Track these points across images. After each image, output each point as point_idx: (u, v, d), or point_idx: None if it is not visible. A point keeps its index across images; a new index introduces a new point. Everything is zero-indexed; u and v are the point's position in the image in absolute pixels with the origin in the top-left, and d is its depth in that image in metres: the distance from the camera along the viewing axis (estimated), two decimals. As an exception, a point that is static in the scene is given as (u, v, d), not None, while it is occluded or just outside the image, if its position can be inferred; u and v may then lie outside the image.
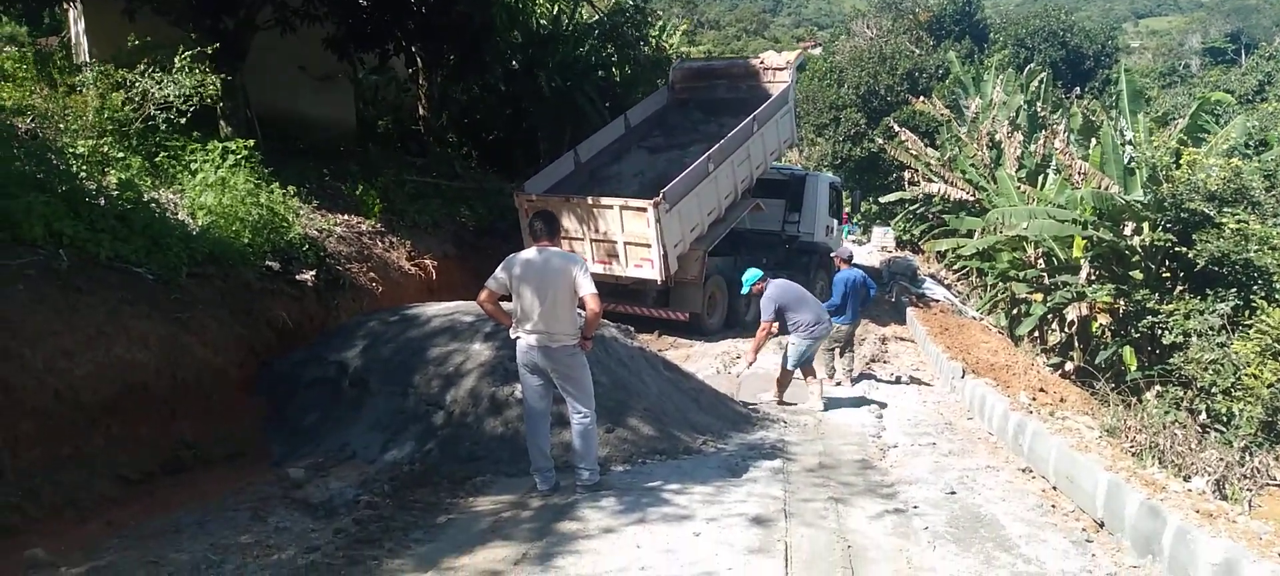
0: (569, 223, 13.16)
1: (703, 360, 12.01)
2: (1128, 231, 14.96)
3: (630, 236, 12.80)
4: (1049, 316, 17.51)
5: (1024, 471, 6.58)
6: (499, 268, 5.67)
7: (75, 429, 5.68)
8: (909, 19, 35.38)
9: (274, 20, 12.16)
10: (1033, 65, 30.64)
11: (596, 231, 13.11)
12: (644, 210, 12.45)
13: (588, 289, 5.42)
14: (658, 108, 17.03)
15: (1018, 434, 7.05)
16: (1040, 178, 20.22)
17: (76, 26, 14.72)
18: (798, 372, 9.01)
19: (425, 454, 6.46)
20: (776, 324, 8.91)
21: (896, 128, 26.04)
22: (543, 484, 5.67)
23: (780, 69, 16.79)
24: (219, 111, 11.11)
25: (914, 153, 24.71)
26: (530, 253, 5.66)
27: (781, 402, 9.21)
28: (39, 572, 4.29)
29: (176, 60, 9.51)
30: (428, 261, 12.40)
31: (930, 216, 26.83)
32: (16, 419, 5.30)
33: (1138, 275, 14.68)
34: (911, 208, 28.35)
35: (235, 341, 7.40)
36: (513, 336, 5.66)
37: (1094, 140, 18.61)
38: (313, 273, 8.70)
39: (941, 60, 31.23)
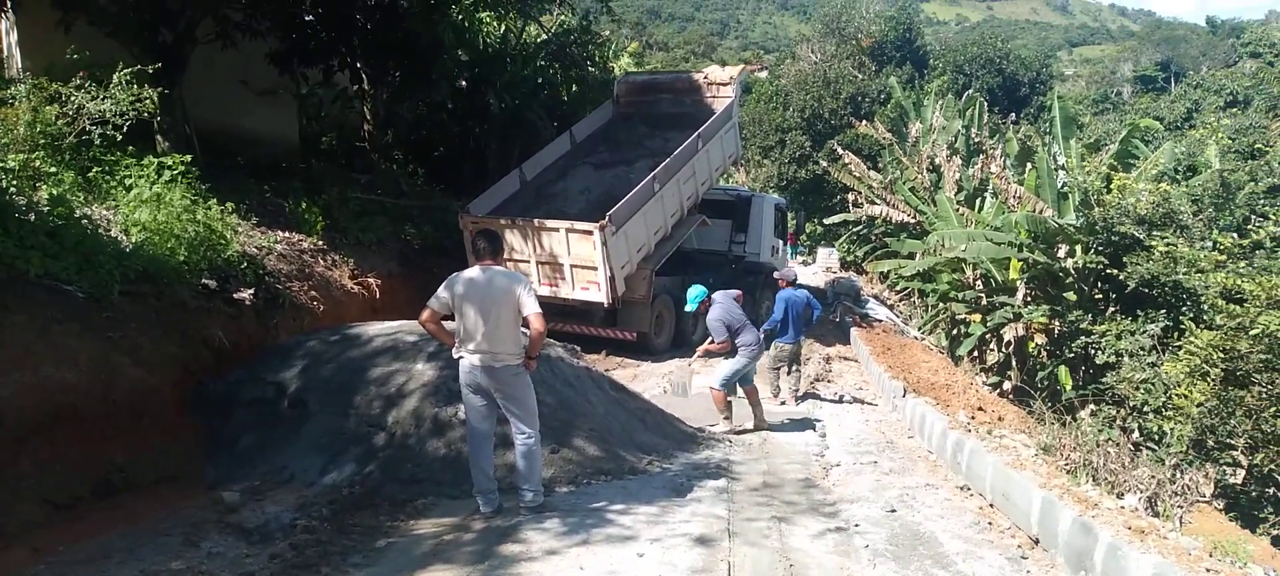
0: (515, 243, 13.09)
1: (650, 380, 12.03)
2: (1062, 254, 15.42)
3: (577, 259, 12.76)
4: (987, 336, 17.94)
5: (962, 489, 6.71)
6: (441, 287, 5.61)
7: (1, 451, 5.47)
8: (852, 45, 36.08)
9: (215, 34, 11.95)
10: (971, 91, 31.51)
11: (542, 253, 13.05)
12: (590, 233, 12.42)
13: (532, 308, 5.41)
14: (603, 122, 17.07)
15: (956, 452, 7.19)
16: (978, 201, 20.77)
17: (8, 38, 14.27)
18: (740, 391, 9.00)
19: (366, 476, 6.37)
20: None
21: (840, 150, 26.50)
22: (486, 506, 5.62)
23: (724, 84, 16.91)
24: (156, 126, 10.84)
25: (857, 175, 25.17)
26: (474, 271, 5.61)
27: (735, 432, 8.80)
28: (-44, 603, 4.12)
29: (115, 76, 9.27)
30: (371, 280, 12.24)
31: (873, 238, 27.31)
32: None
33: (1071, 296, 15.12)
34: (855, 229, 28.83)
35: (169, 361, 7.19)
36: (456, 356, 5.61)
37: (1029, 165, 19.19)
38: (251, 291, 8.53)
39: (883, 85, 31.89)
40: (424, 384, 6.94)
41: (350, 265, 12.04)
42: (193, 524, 5.32)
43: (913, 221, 22.33)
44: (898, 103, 28.64)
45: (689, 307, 9.37)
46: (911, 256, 20.54)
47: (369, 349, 7.58)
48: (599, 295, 12.71)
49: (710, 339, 8.88)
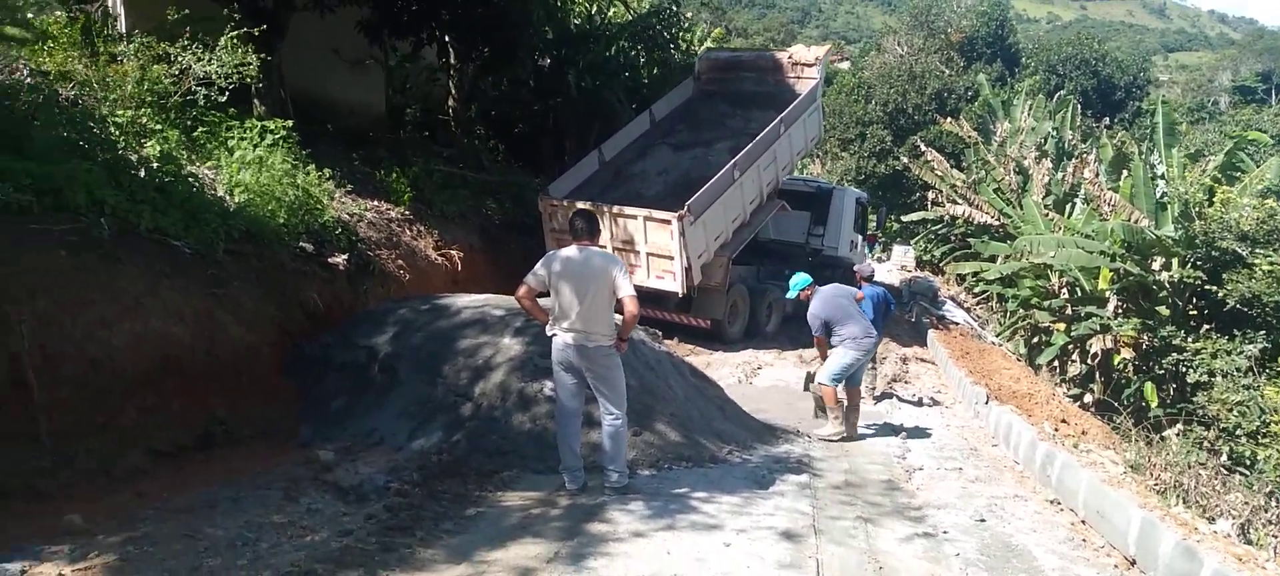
0: None
1: (723, 369, 11.97)
2: (1156, 266, 14.87)
3: (653, 247, 12.65)
4: (1070, 347, 17.42)
5: (1052, 503, 6.52)
6: (538, 264, 5.67)
7: (110, 398, 5.71)
8: (941, 39, 35.18)
9: (311, 1, 12.25)
10: (1063, 92, 30.53)
11: (619, 238, 12.96)
12: (668, 222, 12.29)
13: (627, 290, 5.43)
14: (683, 100, 16.83)
15: (1046, 464, 6.99)
16: (1067, 206, 20.15)
17: (115, -3, 14.85)
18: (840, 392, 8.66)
19: (452, 444, 6.46)
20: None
21: (923, 147, 25.96)
22: (571, 483, 5.66)
23: (809, 65, 16.49)
24: (254, 90, 11.15)
25: (939, 173, 24.64)
26: (571, 250, 5.64)
27: (846, 436, 8.28)
28: (75, 540, 4.30)
29: (222, 38, 9.54)
30: (454, 252, 12.41)
31: (953, 238, 26.73)
32: (54, 385, 5.33)
33: (1164, 311, 14.59)
34: (934, 228, 28.26)
35: (269, 321, 7.43)
36: (548, 333, 5.65)
37: (1125, 172, 18.53)
38: (345, 256, 8.72)
39: (971, 82, 31.07)
40: (511, 358, 7.02)
41: (435, 236, 12.24)
42: (292, 479, 5.47)
43: (996, 223, 21.78)
44: (985, 100, 27.91)
45: (788, 294, 8.90)
46: (993, 259, 20.04)
47: (457, 320, 7.69)
48: (674, 284, 12.62)
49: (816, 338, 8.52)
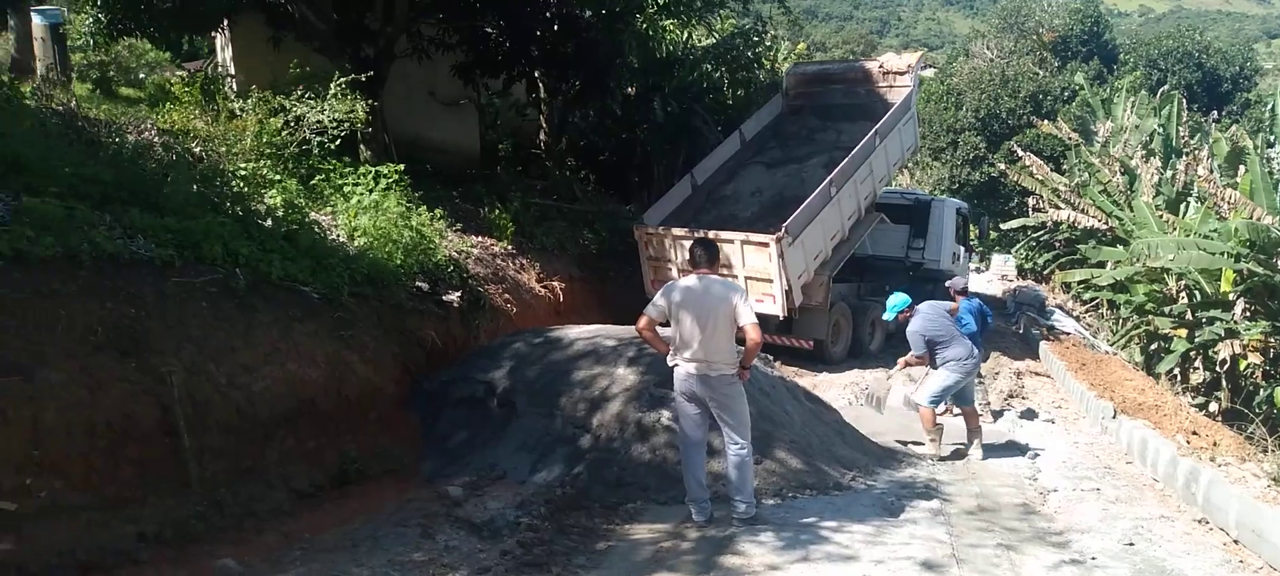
0: (679, 255, 12.80)
1: (830, 391, 11.76)
2: (1283, 265, 14.04)
3: (751, 270, 12.46)
4: (1191, 353, 16.56)
5: (1200, 522, 6.19)
6: (658, 294, 5.68)
7: (253, 442, 5.95)
8: (1033, 39, 34.08)
9: (411, 49, 12.73)
10: (1167, 88, 29.23)
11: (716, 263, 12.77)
12: (766, 244, 12.13)
13: (748, 318, 5.39)
14: (772, 117, 16.60)
15: (1190, 482, 6.64)
16: (1181, 206, 19.21)
17: (223, 53, 15.71)
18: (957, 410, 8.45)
19: (574, 477, 6.51)
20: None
21: (1020, 152, 25.19)
22: (699, 514, 5.62)
23: (901, 72, 16.07)
24: (360, 136, 11.58)
25: (1040, 177, 23.85)
26: (690, 280, 5.63)
27: (942, 457, 8.17)
28: (232, 582, 4.48)
29: (331, 87, 9.95)
30: (555, 283, 12.57)
31: (1057, 244, 25.79)
32: (202, 432, 5.58)
33: (1295, 312, 13.74)
34: (1034, 235, 27.31)
35: (390, 359, 7.64)
36: (670, 364, 5.65)
37: (1241, 167, 17.57)
38: (458, 294, 8.92)
39: (1067, 82, 30.01)
40: (626, 388, 7.05)
41: (536, 269, 12.42)
42: (426, 516, 5.60)
43: (1104, 227, 20.91)
44: (1084, 100, 26.93)
45: (886, 316, 8.75)
46: (1102, 264, 19.22)
47: (571, 352, 7.78)
48: (774, 308, 12.38)
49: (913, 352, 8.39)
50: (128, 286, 5.69)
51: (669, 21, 15.14)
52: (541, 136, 18.51)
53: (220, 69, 16.22)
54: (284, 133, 10.12)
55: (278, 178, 9.37)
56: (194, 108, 10.45)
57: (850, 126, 14.99)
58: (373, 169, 9.55)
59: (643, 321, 5.61)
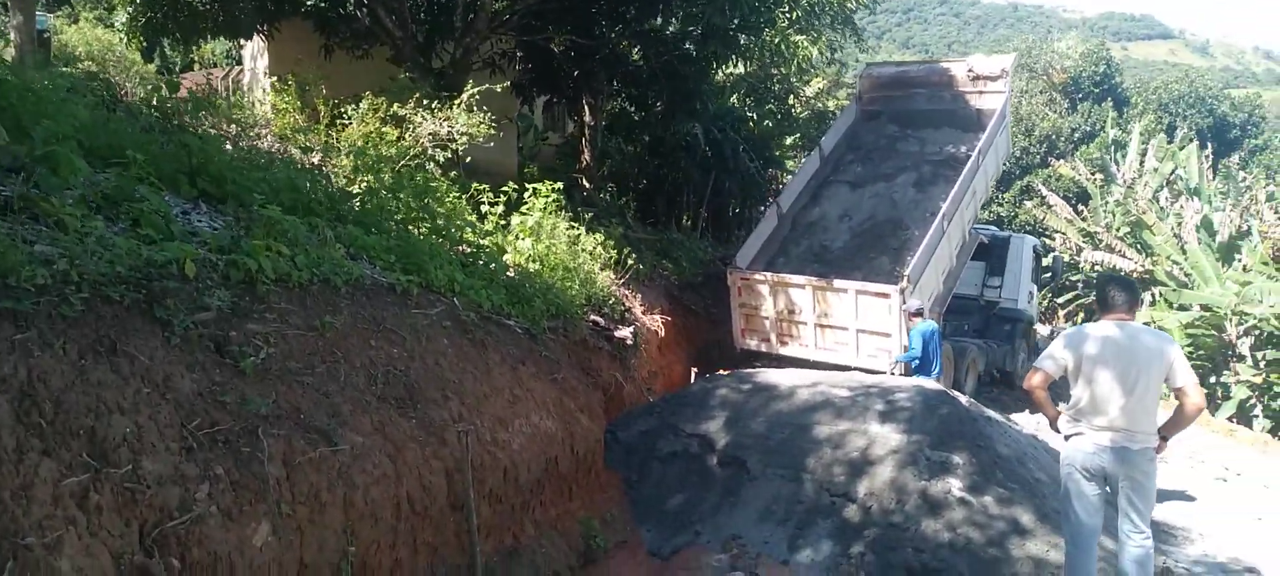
0: (778, 303, 11.81)
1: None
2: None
3: (866, 324, 11.26)
4: (1249, 400, 16.27)
5: None
6: (1056, 344, 4.65)
7: (514, 513, 4.85)
8: (1044, 80, 34.10)
9: (483, 62, 12.16)
10: (1183, 132, 29.54)
11: (822, 314, 11.54)
12: (886, 296, 10.97)
13: (1187, 378, 4.40)
14: (848, 125, 15.46)
15: None
16: (1230, 250, 19.07)
17: (257, 61, 14.50)
18: None
19: (853, 557, 5.51)
20: None
21: (1045, 192, 24.99)
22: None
23: (994, 77, 14.79)
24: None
25: (1067, 217, 23.65)
26: (1108, 328, 4.56)
27: None
28: None
29: (466, 95, 8.88)
30: (657, 316, 11.56)
31: (1078, 286, 25.56)
32: (478, 502, 4.46)
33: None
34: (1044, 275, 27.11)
35: (597, 405, 6.56)
36: (1065, 433, 4.64)
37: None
38: (630, 330, 7.88)
39: (1079, 123, 30.03)
40: (892, 449, 6.10)
41: (639, 299, 11.38)
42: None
43: (1141, 271, 20.69)
44: (1106, 141, 26.94)
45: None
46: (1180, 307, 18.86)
47: (796, 403, 6.81)
48: (886, 364, 11.07)
49: None
50: (382, 318, 4.57)
51: (799, 36, 14.07)
52: (583, 160, 17.52)
53: (248, 78, 14.93)
54: (402, 143, 8.96)
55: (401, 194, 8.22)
56: (294, 114, 9.23)
57: (934, 134, 14.09)
58: (531, 185, 8.37)
59: (1037, 378, 4.56)
